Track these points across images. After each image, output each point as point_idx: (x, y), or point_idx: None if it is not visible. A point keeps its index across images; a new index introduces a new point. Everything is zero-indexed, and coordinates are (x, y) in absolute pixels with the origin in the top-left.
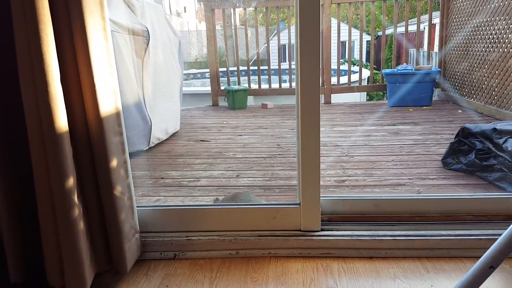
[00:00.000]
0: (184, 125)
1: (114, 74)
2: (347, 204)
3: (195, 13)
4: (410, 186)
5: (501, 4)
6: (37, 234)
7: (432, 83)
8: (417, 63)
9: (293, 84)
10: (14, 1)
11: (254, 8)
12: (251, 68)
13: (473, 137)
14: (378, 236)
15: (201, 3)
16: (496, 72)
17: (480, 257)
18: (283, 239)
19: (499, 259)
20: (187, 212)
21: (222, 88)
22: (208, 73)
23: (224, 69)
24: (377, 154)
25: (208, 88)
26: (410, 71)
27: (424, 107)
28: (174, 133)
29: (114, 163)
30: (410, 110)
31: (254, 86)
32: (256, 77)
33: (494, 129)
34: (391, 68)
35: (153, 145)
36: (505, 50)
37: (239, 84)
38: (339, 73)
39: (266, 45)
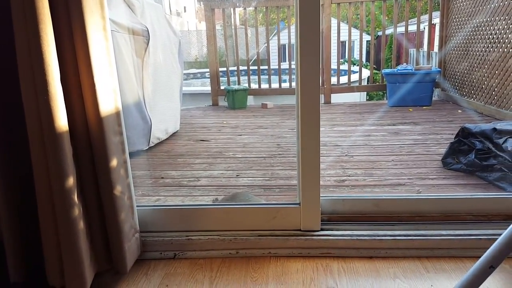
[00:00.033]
0: (184, 125)
1: (114, 73)
2: (347, 204)
3: (195, 12)
4: (410, 186)
5: (501, 4)
6: (37, 233)
7: (432, 83)
8: (417, 63)
9: (293, 84)
10: (14, 1)
11: (254, 8)
12: (251, 68)
13: (473, 137)
14: (378, 236)
15: (201, 3)
16: (496, 72)
17: (480, 257)
18: (283, 238)
19: (499, 259)
20: (187, 212)
21: (222, 88)
22: (208, 73)
23: (224, 69)
24: (377, 154)
25: (208, 88)
26: (410, 71)
27: (424, 107)
28: (174, 132)
29: (114, 162)
30: (410, 110)
31: (254, 86)
32: (256, 77)
33: (494, 129)
34: (391, 68)
35: (153, 144)
36: (505, 50)
37: (239, 84)
38: (339, 73)
39: (266, 45)
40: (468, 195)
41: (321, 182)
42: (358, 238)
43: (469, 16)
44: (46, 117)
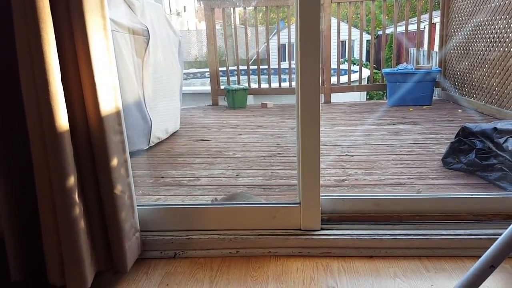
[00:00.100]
0: (184, 125)
1: (114, 73)
2: (347, 204)
3: (195, 12)
4: (410, 185)
5: (502, 3)
6: (38, 233)
7: (432, 83)
8: (417, 63)
9: (293, 83)
10: (15, 0)
11: (254, 7)
12: (251, 67)
13: (473, 136)
14: (378, 235)
15: (201, 2)
16: (497, 71)
17: (480, 256)
18: (283, 238)
19: (500, 258)
20: (187, 211)
21: (222, 87)
22: (208, 73)
23: (224, 68)
24: (377, 153)
25: (208, 88)
26: (410, 70)
27: (424, 107)
28: (174, 132)
29: (114, 162)
30: (410, 109)
31: (254, 85)
32: (256, 77)
33: (495, 128)
34: (391, 67)
35: (153, 144)
36: (506, 49)
37: (239, 83)
38: (339, 72)
39: (266, 44)
40: (468, 195)
41: (321, 181)
42: (358, 237)
43: (470, 15)
44: (47, 117)
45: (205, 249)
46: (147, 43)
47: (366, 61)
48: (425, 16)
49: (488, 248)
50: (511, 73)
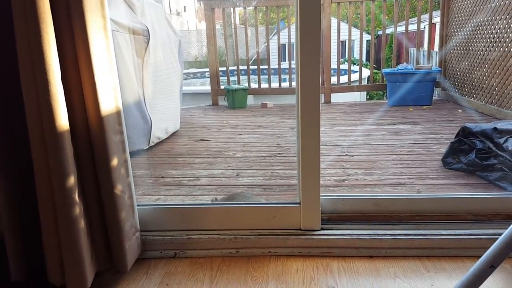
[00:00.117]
0: (184, 124)
1: (114, 73)
2: (347, 204)
3: (195, 12)
4: (410, 185)
5: (502, 3)
6: (38, 232)
7: (432, 83)
8: (417, 63)
9: (293, 83)
10: (15, 0)
11: (254, 7)
12: (251, 67)
13: (473, 136)
14: (378, 235)
15: (201, 2)
16: (497, 71)
17: (480, 256)
18: (283, 238)
19: (500, 258)
20: (187, 211)
21: (222, 87)
22: (208, 73)
23: (224, 68)
24: (377, 153)
25: (208, 88)
26: (410, 70)
27: (424, 107)
28: (174, 132)
29: (114, 162)
30: (410, 109)
31: (254, 85)
32: (256, 77)
33: (495, 128)
34: (391, 67)
35: (153, 144)
36: (506, 49)
37: (239, 83)
38: (339, 72)
39: (266, 44)
40: (468, 195)
41: (321, 181)
42: (358, 237)
43: (470, 15)
44: (47, 116)
45: (205, 249)
46: (147, 43)
47: (366, 61)
48: (425, 16)
49: (488, 248)
50: (511, 73)
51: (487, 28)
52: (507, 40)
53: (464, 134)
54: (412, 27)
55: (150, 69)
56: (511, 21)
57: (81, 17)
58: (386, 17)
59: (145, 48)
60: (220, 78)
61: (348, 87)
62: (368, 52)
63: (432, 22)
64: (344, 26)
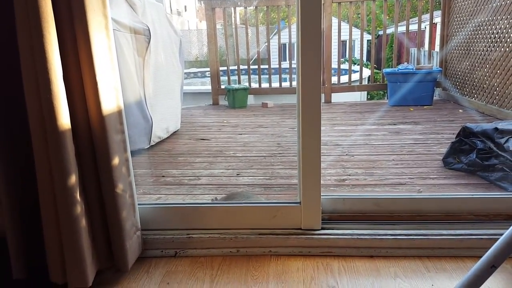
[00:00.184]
0: (184, 124)
1: (116, 72)
2: (347, 203)
3: (195, 12)
4: (411, 185)
5: (503, 3)
6: (40, 231)
7: (433, 83)
8: (418, 62)
9: (294, 83)
10: (17, 0)
11: (254, 7)
12: (251, 67)
13: (474, 136)
14: (379, 235)
15: (202, 2)
16: (498, 71)
17: (481, 256)
18: (284, 237)
19: (501, 258)
20: (187, 210)
21: (222, 87)
22: (209, 72)
23: (225, 68)
24: (377, 153)
25: (208, 87)
26: (411, 70)
27: (425, 107)
28: (175, 131)
29: (116, 161)
30: (411, 109)
31: (255, 85)
32: (257, 76)
33: (496, 128)
34: (392, 67)
35: (154, 143)
36: (507, 49)
37: (239, 83)
38: (339, 72)
39: (266, 44)
40: (469, 195)
41: (321, 181)
42: (358, 237)
43: (471, 15)
44: (48, 116)
45: (206, 248)
46: (148, 43)
47: (366, 61)
48: (426, 16)
49: (489, 248)
50: None
51: (488, 28)
52: (508, 40)
53: (465, 134)
54: (413, 27)
55: (151, 69)
56: None
57: (83, 16)
58: (387, 17)
59: (146, 47)
60: (221, 77)
61: (349, 87)
62: (368, 52)
63: (433, 22)
64: (345, 26)
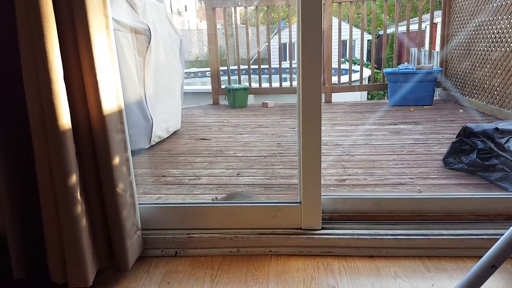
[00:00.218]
0: (185, 124)
1: (116, 72)
2: (348, 203)
3: (196, 11)
4: (411, 185)
5: (504, 3)
6: (40, 231)
7: (433, 83)
8: (419, 62)
9: (294, 83)
10: (18, 0)
11: (255, 7)
12: (251, 67)
13: (474, 136)
14: (379, 235)
15: (202, 2)
16: (498, 71)
17: (481, 256)
18: (284, 237)
19: (502, 258)
20: (188, 210)
21: (222, 86)
22: (209, 72)
23: (225, 68)
24: (378, 153)
25: (208, 87)
26: (411, 70)
27: (425, 107)
28: (175, 131)
29: (116, 160)
30: (411, 109)
31: (255, 85)
32: (257, 76)
33: (496, 128)
34: (392, 67)
35: (154, 143)
36: (507, 49)
37: (239, 83)
38: (340, 72)
39: (267, 44)
40: (469, 195)
41: (322, 181)
42: (359, 237)
43: (471, 15)
44: (49, 115)
45: (206, 247)
46: (149, 42)
47: (367, 60)
48: (427, 16)
49: (490, 248)
50: None
51: (488, 28)
52: (509, 40)
53: (465, 134)
54: (413, 27)
55: (152, 68)
56: None
57: (84, 16)
58: (387, 17)
59: (147, 47)
60: (221, 77)
61: (349, 87)
62: (369, 51)
63: (434, 22)
64: (345, 26)
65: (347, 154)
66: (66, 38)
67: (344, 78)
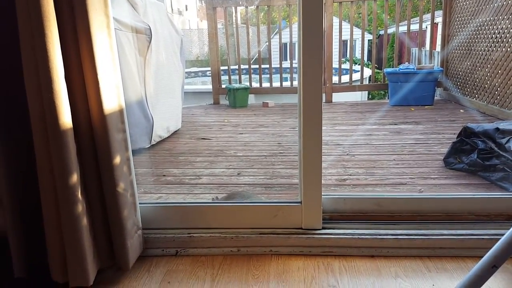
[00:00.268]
0: (185, 123)
1: (117, 71)
2: (348, 203)
3: (196, 11)
4: (412, 185)
5: (504, 3)
6: (41, 230)
7: (434, 82)
8: (419, 62)
9: (294, 82)
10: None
11: (255, 7)
12: (252, 66)
13: (475, 136)
14: (380, 235)
15: (203, 1)
16: (499, 71)
17: (482, 256)
18: (284, 237)
19: (502, 258)
20: (188, 209)
21: (223, 86)
22: (209, 72)
23: (226, 67)
24: (378, 153)
25: (209, 87)
26: (412, 70)
27: (426, 107)
28: (176, 131)
29: (117, 160)
30: (412, 109)
31: (255, 84)
32: (257, 76)
33: (497, 128)
34: (392, 67)
35: (154, 142)
36: (508, 49)
37: (240, 82)
38: (340, 72)
39: (267, 43)
40: (470, 195)
41: (322, 181)
42: (359, 237)
43: (472, 15)
44: (50, 115)
45: (207, 247)
46: (150, 42)
47: (367, 60)
48: (427, 16)
49: (490, 248)
50: None
51: (489, 28)
52: (510, 40)
53: (466, 134)
54: (414, 27)
55: (152, 68)
56: None
57: (85, 15)
58: (388, 17)
59: (147, 47)
60: (222, 77)
61: (350, 87)
62: (369, 51)
63: (434, 21)
64: (346, 26)
65: (347, 154)
66: (67, 37)
67: (345, 78)
